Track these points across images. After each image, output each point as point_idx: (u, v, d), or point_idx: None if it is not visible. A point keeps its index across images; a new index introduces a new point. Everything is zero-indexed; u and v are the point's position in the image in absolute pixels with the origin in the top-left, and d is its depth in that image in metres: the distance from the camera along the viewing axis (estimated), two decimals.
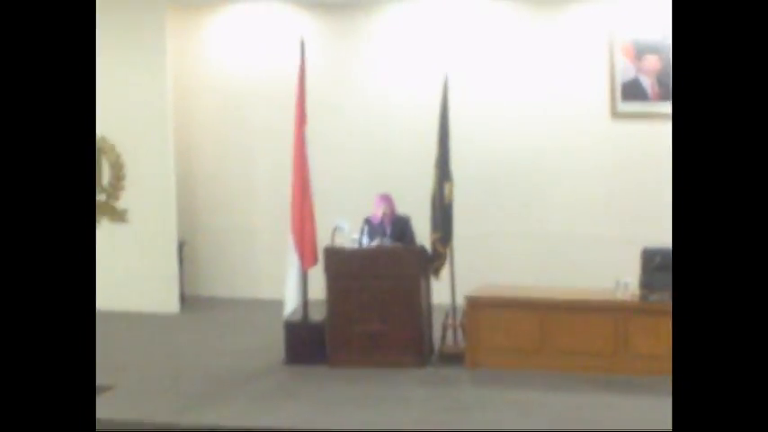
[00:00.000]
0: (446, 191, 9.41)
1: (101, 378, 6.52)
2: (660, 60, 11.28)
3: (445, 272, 9.43)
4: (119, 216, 12.00)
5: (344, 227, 9.27)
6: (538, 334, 8.81)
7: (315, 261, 9.46)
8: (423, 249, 9.27)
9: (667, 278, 7.40)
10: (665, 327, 7.74)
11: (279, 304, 9.62)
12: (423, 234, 9.44)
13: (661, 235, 9.03)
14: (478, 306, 9.00)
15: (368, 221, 9.37)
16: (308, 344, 9.26)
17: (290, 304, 9.47)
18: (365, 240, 9.24)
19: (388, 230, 9.34)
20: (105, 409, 7.55)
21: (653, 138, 11.22)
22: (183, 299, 12.32)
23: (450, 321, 9.37)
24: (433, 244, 9.34)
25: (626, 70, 11.47)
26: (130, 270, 11.78)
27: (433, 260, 9.33)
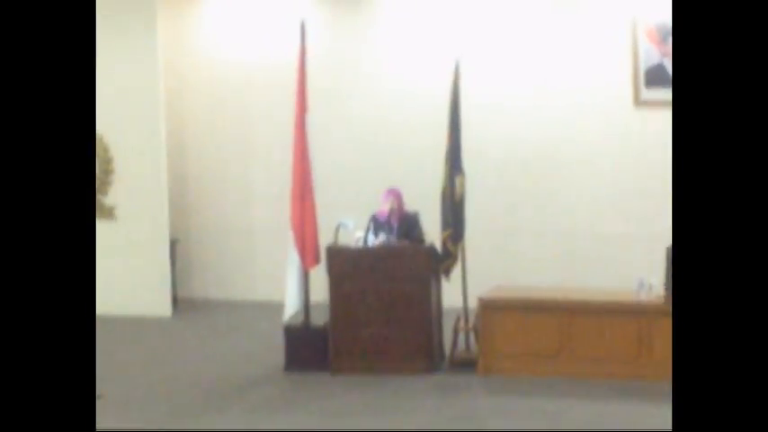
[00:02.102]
0: (457, 185, 9.39)
1: None
2: None
3: (456, 272, 9.44)
4: (107, 213, 11.99)
5: (349, 224, 9.29)
6: (556, 338, 8.84)
7: (317, 261, 9.44)
8: (432, 248, 9.28)
9: None
10: None
11: (278, 307, 9.64)
12: (432, 232, 9.44)
13: None
14: (492, 308, 9.01)
15: (374, 219, 9.34)
16: (309, 350, 9.28)
17: (291, 307, 9.47)
18: (371, 239, 9.22)
19: (395, 227, 9.29)
20: None
21: None
22: (176, 301, 12.34)
23: (461, 325, 9.40)
24: (444, 242, 9.34)
25: (650, 55, 11.36)
26: (119, 270, 11.76)
27: (444, 259, 9.33)
